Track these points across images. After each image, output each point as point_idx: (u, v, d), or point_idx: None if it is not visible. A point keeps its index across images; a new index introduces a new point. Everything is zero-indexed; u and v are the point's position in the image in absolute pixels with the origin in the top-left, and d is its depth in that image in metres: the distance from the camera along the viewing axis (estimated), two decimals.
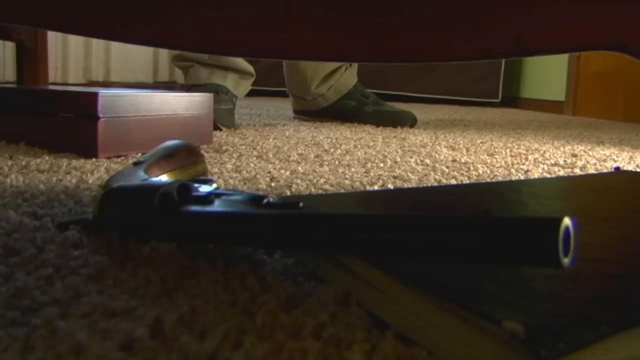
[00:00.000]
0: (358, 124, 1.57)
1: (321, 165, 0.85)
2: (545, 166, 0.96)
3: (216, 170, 0.78)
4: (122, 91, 0.93)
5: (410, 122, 1.58)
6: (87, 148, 0.83)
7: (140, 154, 0.81)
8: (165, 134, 0.90)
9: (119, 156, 0.85)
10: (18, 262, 0.38)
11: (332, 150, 1.03)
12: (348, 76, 1.68)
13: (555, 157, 1.09)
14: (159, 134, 0.90)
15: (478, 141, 1.31)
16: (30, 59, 1.45)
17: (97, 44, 3.33)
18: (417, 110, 2.58)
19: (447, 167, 0.88)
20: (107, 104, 0.83)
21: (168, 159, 0.57)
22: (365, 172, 0.81)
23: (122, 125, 0.86)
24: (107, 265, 0.38)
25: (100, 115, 0.83)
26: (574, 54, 2.77)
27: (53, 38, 2.94)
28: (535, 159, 1.04)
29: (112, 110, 0.84)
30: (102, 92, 0.84)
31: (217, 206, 0.39)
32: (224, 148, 1.00)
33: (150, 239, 0.41)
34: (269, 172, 0.77)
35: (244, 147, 1.03)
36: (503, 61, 3.26)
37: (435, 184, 0.75)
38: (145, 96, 0.90)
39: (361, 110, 1.62)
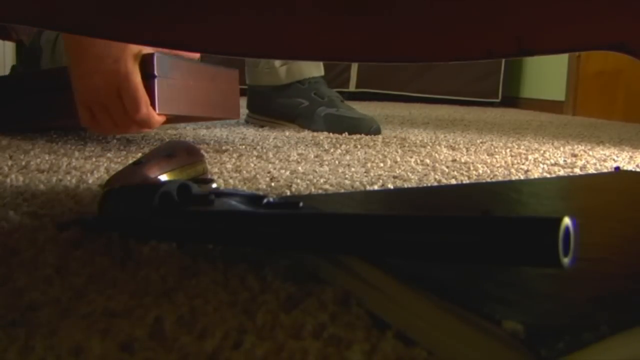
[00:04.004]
0: (311, 131, 1.36)
1: (321, 165, 0.85)
2: (545, 166, 0.96)
3: (216, 170, 0.78)
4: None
5: (367, 130, 1.32)
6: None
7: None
8: (206, 99, 0.97)
9: (170, 119, 0.91)
10: (18, 262, 0.38)
11: (332, 150, 1.03)
12: (309, 65, 1.46)
13: (555, 157, 1.09)
14: (201, 98, 0.96)
15: (478, 141, 1.31)
16: None
17: None
18: (417, 110, 2.58)
19: (447, 167, 0.88)
20: (162, 65, 0.87)
21: (168, 159, 0.57)
22: (365, 172, 0.81)
23: (174, 86, 0.89)
24: (107, 266, 0.38)
25: (157, 74, 0.85)
26: (574, 54, 2.77)
27: None
28: (535, 159, 1.04)
29: (166, 71, 0.88)
30: (158, 54, 0.87)
31: (217, 206, 0.39)
32: (224, 148, 1.00)
33: (150, 239, 0.41)
34: (269, 172, 0.77)
35: (244, 147, 1.03)
36: (503, 61, 3.27)
37: (435, 184, 0.75)
38: (188, 63, 0.94)
39: (313, 113, 1.38)
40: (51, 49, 1.34)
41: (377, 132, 1.33)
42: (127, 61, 0.82)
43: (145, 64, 0.85)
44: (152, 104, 0.84)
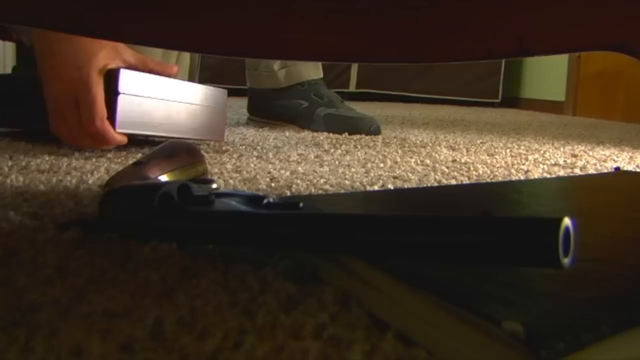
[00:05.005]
0: (311, 131, 1.35)
1: (321, 166, 0.85)
2: (545, 166, 0.96)
3: (216, 170, 0.78)
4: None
5: (367, 129, 1.32)
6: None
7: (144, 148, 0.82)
8: (181, 120, 0.93)
9: (136, 136, 0.88)
10: (18, 263, 0.38)
11: (332, 150, 1.03)
12: (307, 67, 1.46)
13: (555, 157, 1.09)
14: (176, 118, 0.92)
15: (478, 141, 1.31)
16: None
17: None
18: (417, 110, 2.58)
19: (447, 167, 0.88)
20: (128, 82, 0.85)
21: (168, 159, 0.57)
22: (365, 172, 0.81)
23: (140, 104, 0.87)
24: (107, 266, 0.38)
25: (121, 91, 0.83)
26: (574, 54, 2.77)
27: None
28: (535, 159, 1.04)
29: (133, 88, 0.85)
30: (124, 69, 0.85)
31: (217, 206, 0.39)
32: (224, 148, 1.00)
33: (150, 239, 0.41)
34: (269, 172, 0.77)
35: (244, 147, 1.03)
36: (503, 61, 3.27)
37: (435, 184, 0.75)
38: (164, 80, 0.91)
39: (313, 114, 1.39)
40: None
41: (377, 131, 1.33)
42: (90, 71, 0.80)
43: (110, 79, 0.82)
44: (112, 122, 0.82)
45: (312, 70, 1.46)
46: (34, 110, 0.96)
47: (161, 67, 0.93)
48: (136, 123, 0.86)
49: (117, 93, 0.83)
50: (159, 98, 0.89)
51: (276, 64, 1.44)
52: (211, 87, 1.01)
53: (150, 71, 0.89)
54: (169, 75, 0.93)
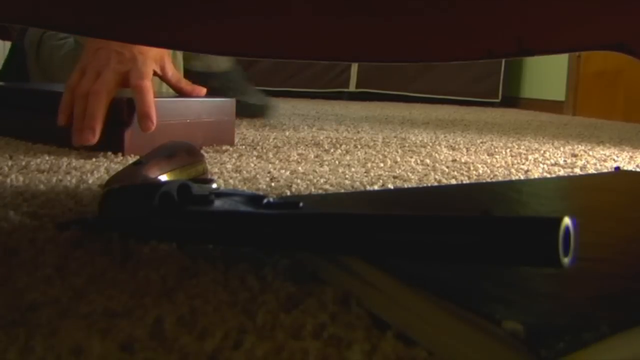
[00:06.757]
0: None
1: (321, 165, 0.85)
2: (545, 166, 0.96)
3: (216, 170, 0.78)
4: None
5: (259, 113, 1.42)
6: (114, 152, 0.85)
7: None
8: (188, 138, 0.93)
9: None
10: (18, 262, 0.38)
11: (332, 150, 1.03)
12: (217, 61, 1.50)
13: (555, 157, 1.09)
14: (183, 138, 0.92)
15: (478, 141, 1.31)
16: None
17: None
18: (418, 111, 2.58)
19: (447, 167, 0.88)
20: (133, 111, 0.86)
21: (168, 159, 0.57)
22: (365, 172, 0.81)
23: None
24: (107, 266, 0.38)
25: (126, 122, 0.85)
26: (574, 54, 2.77)
27: None
28: (535, 159, 1.04)
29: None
30: (128, 99, 0.86)
31: (217, 206, 0.39)
32: (224, 148, 1.00)
33: (150, 239, 0.41)
34: (269, 172, 0.77)
35: (244, 147, 1.03)
36: (503, 61, 3.27)
37: (435, 184, 0.75)
38: (169, 102, 0.92)
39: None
40: (35, 52, 1.33)
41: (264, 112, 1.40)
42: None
43: (115, 109, 0.84)
44: (121, 150, 0.84)
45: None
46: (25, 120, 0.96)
47: (190, 88, 0.96)
48: (145, 147, 0.86)
49: (122, 124, 0.84)
50: (167, 121, 0.90)
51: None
52: (218, 99, 1.03)
53: (180, 89, 0.92)
54: (197, 96, 0.96)
